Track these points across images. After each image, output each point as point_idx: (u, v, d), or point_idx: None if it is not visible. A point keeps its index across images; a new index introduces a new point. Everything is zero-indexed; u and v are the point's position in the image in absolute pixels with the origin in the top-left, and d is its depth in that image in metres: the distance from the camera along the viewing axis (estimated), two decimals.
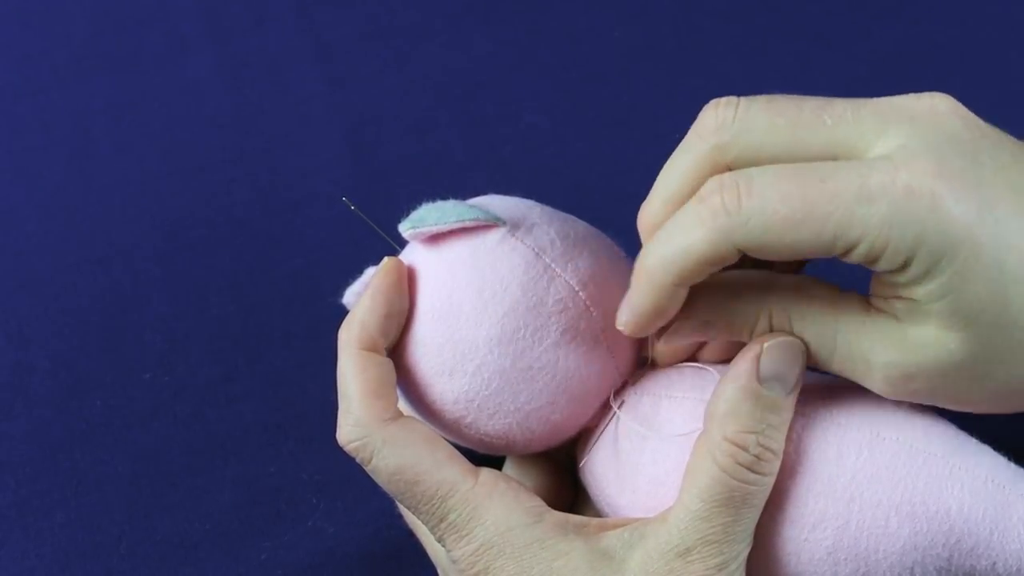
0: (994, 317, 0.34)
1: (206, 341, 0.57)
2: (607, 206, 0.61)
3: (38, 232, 0.61)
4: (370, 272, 0.45)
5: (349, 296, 0.46)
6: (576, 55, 0.66)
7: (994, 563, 0.36)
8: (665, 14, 0.67)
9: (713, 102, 0.37)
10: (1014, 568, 0.36)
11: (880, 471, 0.37)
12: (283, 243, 0.60)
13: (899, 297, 0.35)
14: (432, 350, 0.40)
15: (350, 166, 0.62)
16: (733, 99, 0.37)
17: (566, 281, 0.40)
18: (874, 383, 0.37)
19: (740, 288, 0.39)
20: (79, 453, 0.54)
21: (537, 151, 0.63)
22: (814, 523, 0.37)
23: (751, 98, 0.37)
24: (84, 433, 0.54)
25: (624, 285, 0.40)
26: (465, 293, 0.40)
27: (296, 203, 0.61)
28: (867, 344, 0.36)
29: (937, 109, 0.35)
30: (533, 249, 0.41)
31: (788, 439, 0.38)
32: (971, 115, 0.36)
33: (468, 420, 0.41)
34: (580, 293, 0.41)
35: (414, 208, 0.42)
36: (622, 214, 0.60)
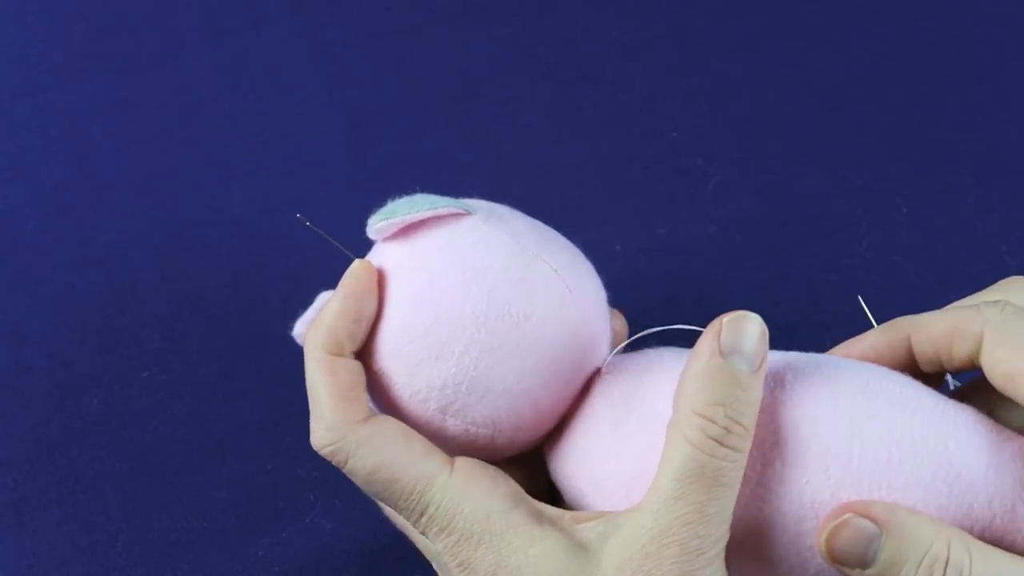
0: None
1: (204, 340, 0.57)
2: (606, 206, 0.61)
3: (36, 232, 0.61)
4: (323, 297, 0.45)
5: (301, 326, 0.44)
6: (575, 55, 0.66)
7: (990, 500, 0.36)
8: (664, 14, 0.67)
9: None
10: (1008, 504, 0.36)
11: (878, 412, 0.37)
12: (280, 242, 0.59)
13: None
14: (417, 336, 0.40)
15: (348, 166, 0.62)
16: None
17: (544, 261, 0.41)
18: None
19: None
20: (77, 451, 0.54)
21: (535, 151, 0.63)
22: (816, 463, 0.37)
23: None
24: (82, 431, 0.54)
25: (591, 280, 0.42)
26: (447, 275, 0.40)
27: (294, 202, 0.61)
28: None
29: None
30: (507, 232, 0.41)
31: (782, 388, 0.38)
32: None
33: (456, 406, 0.40)
34: (559, 273, 0.41)
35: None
36: (621, 213, 0.61)
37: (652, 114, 0.64)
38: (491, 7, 0.68)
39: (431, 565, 0.45)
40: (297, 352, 0.56)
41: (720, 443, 0.36)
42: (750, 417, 0.37)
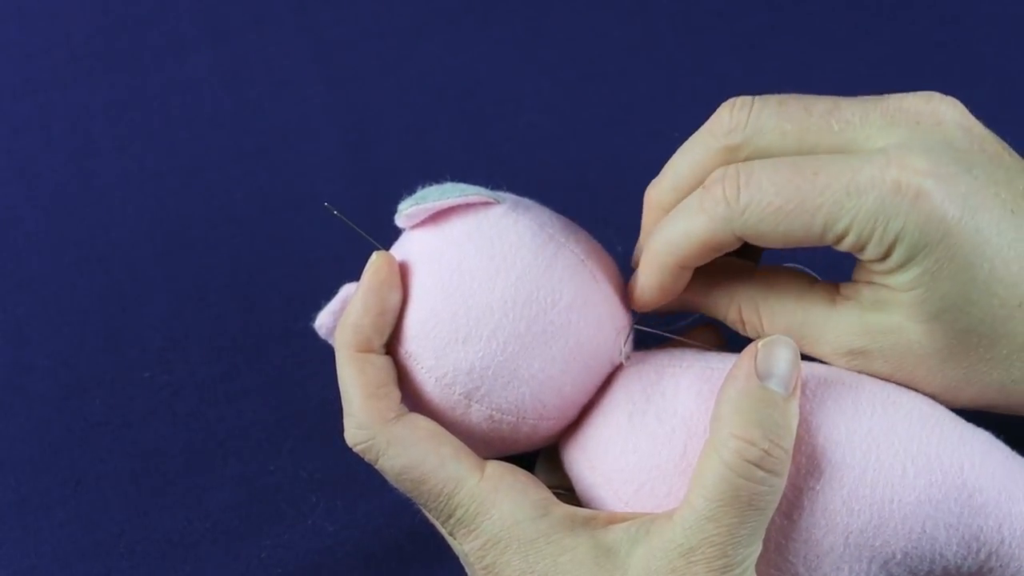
0: (955, 318, 0.36)
1: (205, 340, 0.57)
2: (607, 206, 0.61)
3: (38, 231, 0.61)
4: (347, 289, 0.45)
5: (323, 317, 0.45)
6: (576, 55, 0.66)
7: (1000, 524, 0.37)
8: (665, 13, 0.67)
9: (728, 102, 0.39)
10: (1018, 531, 0.37)
11: (896, 425, 0.37)
12: (282, 242, 0.60)
13: (874, 283, 0.37)
14: (445, 319, 0.40)
15: (349, 165, 0.62)
16: (747, 100, 0.39)
17: (571, 250, 0.42)
18: (837, 363, 0.39)
19: (717, 277, 0.42)
20: (79, 452, 0.54)
21: (536, 151, 0.63)
22: (831, 472, 0.37)
23: (764, 100, 0.39)
24: (84, 432, 0.54)
25: (615, 272, 0.43)
26: (475, 260, 0.40)
27: (295, 202, 0.61)
28: (831, 330, 0.39)
29: (942, 115, 0.37)
30: (535, 222, 0.42)
31: (803, 397, 0.38)
32: (977, 126, 0.38)
33: (482, 391, 0.40)
34: (586, 262, 0.42)
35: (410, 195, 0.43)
36: (622, 213, 0.60)
37: (652, 114, 0.64)
38: (491, 7, 0.68)
39: (431, 568, 0.45)
40: (299, 352, 0.56)
41: (758, 466, 0.36)
42: (789, 441, 0.37)
